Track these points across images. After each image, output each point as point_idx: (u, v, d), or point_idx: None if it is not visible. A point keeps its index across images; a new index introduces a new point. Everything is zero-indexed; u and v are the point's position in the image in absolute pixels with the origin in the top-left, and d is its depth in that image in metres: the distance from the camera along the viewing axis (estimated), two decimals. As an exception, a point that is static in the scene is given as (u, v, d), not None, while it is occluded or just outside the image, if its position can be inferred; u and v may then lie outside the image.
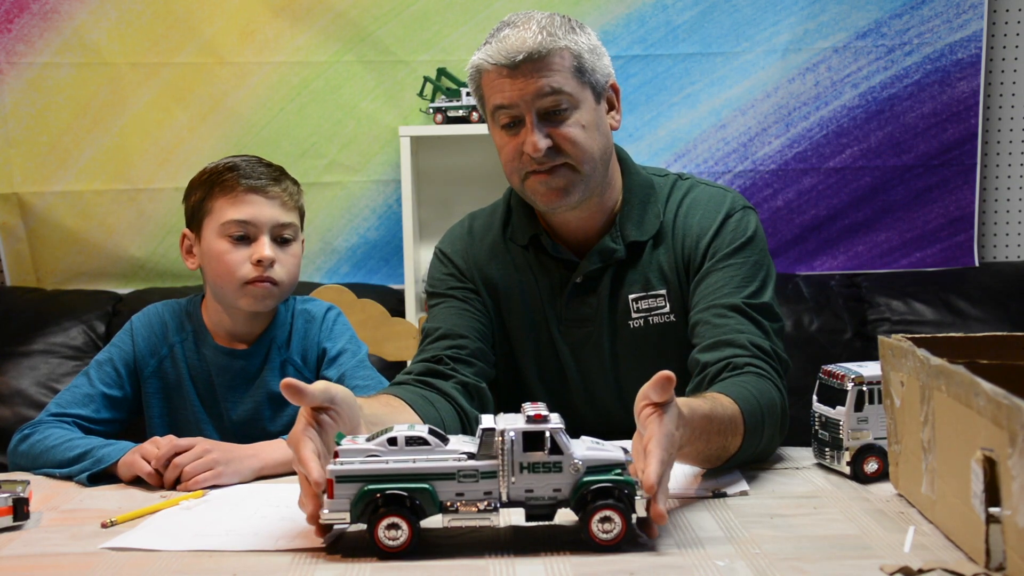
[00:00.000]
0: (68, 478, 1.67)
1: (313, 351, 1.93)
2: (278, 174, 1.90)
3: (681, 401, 1.35)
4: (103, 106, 3.24)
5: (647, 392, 1.28)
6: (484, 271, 1.86)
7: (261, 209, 1.85)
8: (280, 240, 1.88)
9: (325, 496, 1.23)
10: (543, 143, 1.69)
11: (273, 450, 1.66)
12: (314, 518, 1.23)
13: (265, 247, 1.84)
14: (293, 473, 1.60)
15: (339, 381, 1.84)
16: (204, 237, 1.89)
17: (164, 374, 1.92)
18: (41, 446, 1.74)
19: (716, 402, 1.47)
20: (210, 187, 1.88)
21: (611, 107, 1.79)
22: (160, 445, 1.62)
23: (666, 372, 1.26)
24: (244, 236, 1.85)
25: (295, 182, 1.93)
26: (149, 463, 1.61)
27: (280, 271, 1.86)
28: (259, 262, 1.84)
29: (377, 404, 1.55)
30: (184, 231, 1.94)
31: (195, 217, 1.91)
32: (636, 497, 1.22)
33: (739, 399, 1.51)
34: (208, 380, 1.92)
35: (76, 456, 1.68)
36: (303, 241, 1.93)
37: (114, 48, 3.21)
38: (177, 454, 1.60)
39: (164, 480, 1.60)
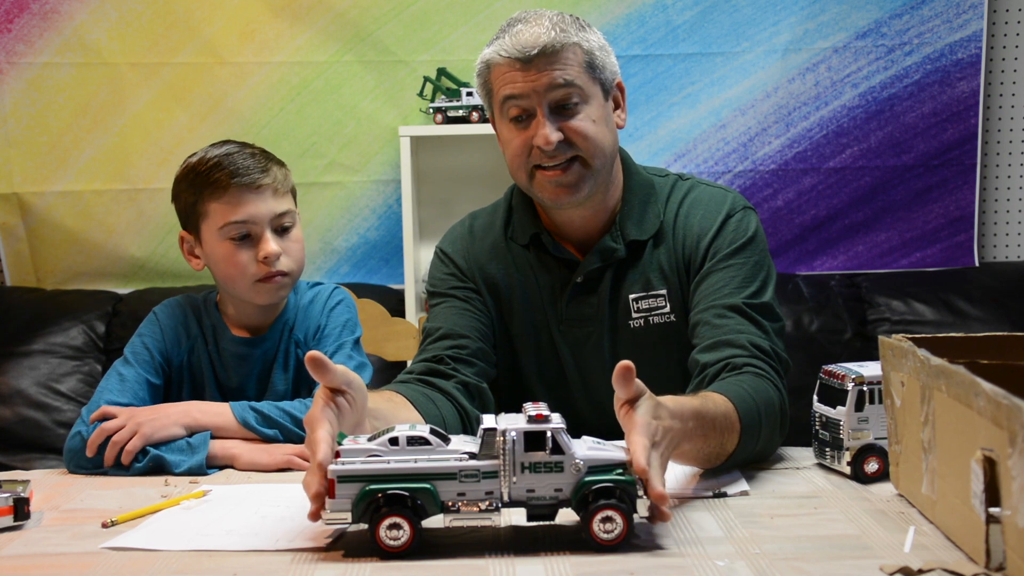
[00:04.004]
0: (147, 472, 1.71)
1: (312, 330, 1.94)
2: (264, 162, 1.87)
3: (668, 398, 1.35)
4: (103, 106, 3.24)
5: (616, 394, 1.28)
6: (485, 270, 1.86)
7: (257, 206, 1.84)
8: (280, 229, 1.87)
9: (327, 496, 1.23)
10: (554, 136, 1.69)
11: (206, 406, 1.78)
12: (317, 498, 1.22)
13: (269, 243, 1.84)
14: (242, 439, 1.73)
15: None
16: (205, 240, 1.88)
17: (191, 366, 1.93)
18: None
19: (707, 399, 1.47)
20: (200, 189, 1.86)
21: (617, 106, 1.80)
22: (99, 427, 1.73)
23: (624, 363, 1.25)
24: (246, 235, 1.85)
25: (280, 163, 1.91)
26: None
27: (287, 261, 1.87)
28: (266, 259, 1.84)
29: (380, 399, 1.55)
30: (181, 233, 1.93)
31: (190, 220, 1.90)
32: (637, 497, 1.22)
33: (734, 398, 1.51)
34: (228, 372, 1.93)
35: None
36: (299, 216, 1.92)
37: (114, 48, 3.21)
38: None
39: (105, 460, 1.71)
